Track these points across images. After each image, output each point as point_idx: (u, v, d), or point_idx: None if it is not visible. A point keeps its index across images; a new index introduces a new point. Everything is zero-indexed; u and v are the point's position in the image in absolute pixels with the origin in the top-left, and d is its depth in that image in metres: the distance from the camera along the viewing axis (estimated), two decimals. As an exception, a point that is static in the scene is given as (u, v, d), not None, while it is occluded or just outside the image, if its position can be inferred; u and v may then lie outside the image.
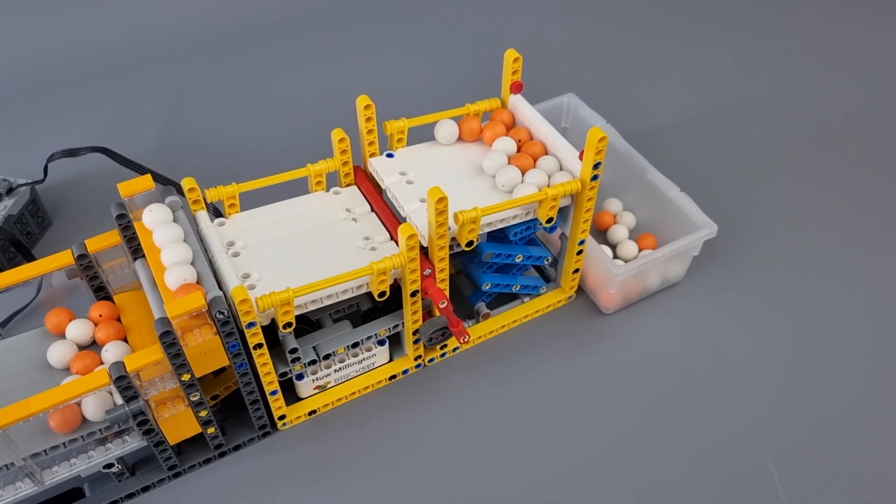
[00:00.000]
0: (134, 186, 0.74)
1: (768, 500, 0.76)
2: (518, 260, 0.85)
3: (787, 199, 1.07)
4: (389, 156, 0.87)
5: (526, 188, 0.80)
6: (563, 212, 0.85)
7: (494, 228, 0.80)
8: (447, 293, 0.79)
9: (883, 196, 1.08)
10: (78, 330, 0.74)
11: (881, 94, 1.25)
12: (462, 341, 0.80)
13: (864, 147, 1.16)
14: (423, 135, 0.91)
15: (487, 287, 0.87)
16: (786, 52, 1.34)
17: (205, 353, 0.68)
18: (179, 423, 0.72)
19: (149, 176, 0.75)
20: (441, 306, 0.77)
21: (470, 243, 0.77)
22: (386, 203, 0.84)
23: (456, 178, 0.84)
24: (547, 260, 0.88)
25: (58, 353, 0.73)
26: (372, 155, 0.86)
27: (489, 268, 0.87)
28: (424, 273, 0.77)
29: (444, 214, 0.73)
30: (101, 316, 0.76)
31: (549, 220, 0.81)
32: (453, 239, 0.77)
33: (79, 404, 0.67)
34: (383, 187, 0.84)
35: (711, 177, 1.10)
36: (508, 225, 0.81)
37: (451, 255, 0.98)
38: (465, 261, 0.89)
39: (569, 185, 0.79)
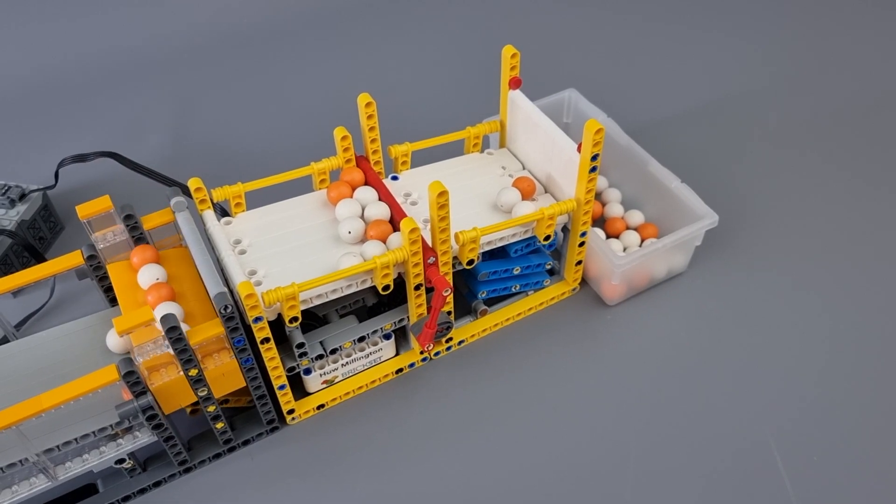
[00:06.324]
0: (92, 208, 0.75)
1: (773, 489, 0.77)
2: (516, 272, 0.88)
3: (786, 189, 1.07)
4: (394, 178, 0.89)
5: (524, 207, 0.83)
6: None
7: (495, 247, 0.83)
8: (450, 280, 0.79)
9: (882, 184, 1.08)
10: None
11: (879, 86, 1.25)
12: (425, 347, 0.81)
13: (863, 136, 1.16)
14: (426, 157, 0.93)
15: (484, 295, 0.88)
16: (785, 45, 1.34)
17: (223, 376, 0.71)
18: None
19: (107, 197, 0.75)
20: (444, 294, 0.77)
21: (471, 262, 0.80)
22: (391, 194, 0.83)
23: (459, 198, 0.86)
24: (548, 265, 0.90)
25: (116, 339, 0.75)
26: (374, 152, 0.87)
27: (487, 283, 0.88)
28: (428, 261, 0.77)
29: (445, 208, 0.74)
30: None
31: (547, 238, 0.85)
32: (455, 258, 0.80)
33: None
34: None
35: (711, 168, 1.11)
36: (508, 243, 0.84)
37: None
38: (462, 273, 0.90)
39: (565, 204, 0.82)
